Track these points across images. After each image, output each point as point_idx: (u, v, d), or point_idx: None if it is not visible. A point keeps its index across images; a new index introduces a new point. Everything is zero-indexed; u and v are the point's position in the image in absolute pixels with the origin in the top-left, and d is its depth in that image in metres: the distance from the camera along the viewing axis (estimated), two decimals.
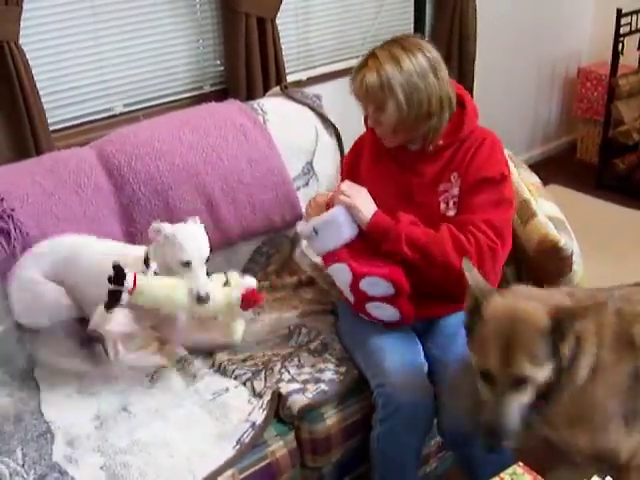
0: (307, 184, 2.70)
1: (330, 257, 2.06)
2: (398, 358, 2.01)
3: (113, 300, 1.85)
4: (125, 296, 1.85)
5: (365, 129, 2.21)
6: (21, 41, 2.52)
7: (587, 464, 1.82)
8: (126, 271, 1.85)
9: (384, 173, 2.18)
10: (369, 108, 2.06)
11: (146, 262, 2.00)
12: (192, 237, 1.96)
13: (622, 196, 4.29)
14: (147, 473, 1.82)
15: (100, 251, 2.12)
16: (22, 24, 2.49)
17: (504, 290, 1.79)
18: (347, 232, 2.05)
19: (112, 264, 1.83)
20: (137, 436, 1.93)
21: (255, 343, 2.25)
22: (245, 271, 2.51)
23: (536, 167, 2.83)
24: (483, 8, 3.86)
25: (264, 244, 2.62)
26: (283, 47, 3.22)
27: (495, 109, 4.07)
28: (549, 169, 4.45)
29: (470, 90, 3.87)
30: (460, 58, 3.88)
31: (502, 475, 1.76)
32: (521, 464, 1.80)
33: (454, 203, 2.08)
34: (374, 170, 2.21)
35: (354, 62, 2.09)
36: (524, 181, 2.63)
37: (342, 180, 2.19)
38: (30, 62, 2.57)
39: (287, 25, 3.30)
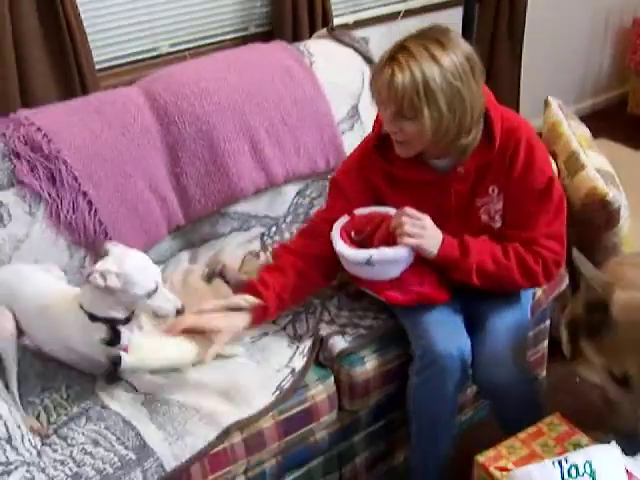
0: (352, 128, 2.67)
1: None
2: (438, 312, 2.00)
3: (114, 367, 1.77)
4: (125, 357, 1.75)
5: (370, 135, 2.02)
6: None
7: None
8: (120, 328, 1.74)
9: (410, 190, 1.97)
10: (389, 110, 1.76)
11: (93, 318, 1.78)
12: (141, 267, 1.74)
13: None
14: (187, 410, 1.84)
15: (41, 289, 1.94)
16: None
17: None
18: (403, 267, 1.94)
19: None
20: (177, 375, 1.94)
21: None
22: (289, 214, 2.51)
23: (585, 120, 2.75)
24: None
25: (307, 187, 2.60)
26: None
27: (544, 60, 4.01)
28: (598, 122, 4.29)
29: (520, 41, 3.79)
30: (511, 7, 3.78)
31: (540, 425, 1.77)
32: (558, 414, 1.80)
33: (499, 216, 1.97)
34: (397, 197, 2.00)
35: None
36: (574, 132, 2.58)
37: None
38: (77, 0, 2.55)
39: None
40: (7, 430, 1.68)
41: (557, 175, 2.23)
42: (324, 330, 2.09)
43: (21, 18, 2.43)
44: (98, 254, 1.93)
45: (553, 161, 2.28)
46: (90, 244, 2.26)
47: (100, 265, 1.68)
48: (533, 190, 1.90)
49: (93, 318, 1.74)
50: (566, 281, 2.45)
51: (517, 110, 3.78)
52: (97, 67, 2.73)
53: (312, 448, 2.04)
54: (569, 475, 1.54)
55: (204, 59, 2.63)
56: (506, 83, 3.90)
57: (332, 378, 2.01)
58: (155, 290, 1.71)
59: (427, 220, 1.86)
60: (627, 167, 2.96)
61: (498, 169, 1.89)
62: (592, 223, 2.42)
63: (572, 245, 2.35)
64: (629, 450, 1.58)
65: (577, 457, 1.57)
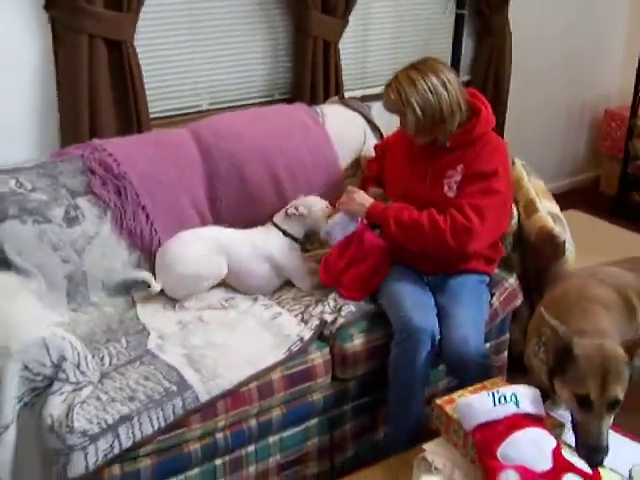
0: (355, 175, 3.31)
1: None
2: (413, 298, 2.63)
3: None
4: None
5: None
6: (135, 42, 3.18)
7: None
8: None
9: (410, 158, 2.84)
10: (397, 115, 2.70)
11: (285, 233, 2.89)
12: (317, 198, 2.94)
13: (636, 223, 4.82)
14: (218, 361, 2.42)
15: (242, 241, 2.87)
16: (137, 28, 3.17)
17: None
18: (346, 228, 2.81)
19: None
20: (211, 338, 2.54)
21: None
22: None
23: (562, 196, 3.40)
24: (518, 52, 4.50)
25: None
26: (343, 67, 3.87)
27: (527, 143, 4.69)
28: (574, 198, 5.04)
29: (502, 126, 4.47)
30: (495, 92, 4.48)
31: (485, 382, 2.33)
32: (501, 377, 2.36)
33: (456, 188, 2.70)
34: (404, 154, 2.88)
35: None
36: (533, 185, 3.23)
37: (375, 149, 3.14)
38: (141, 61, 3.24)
39: (348, 49, 3.95)
40: (78, 357, 2.24)
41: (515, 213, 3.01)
42: (327, 317, 2.66)
43: (96, 70, 3.08)
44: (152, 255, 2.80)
45: (515, 207, 3.06)
46: (145, 247, 2.88)
47: (293, 204, 2.85)
48: (480, 172, 2.64)
49: (285, 234, 2.85)
50: (520, 298, 3.03)
51: None
52: (151, 116, 3.38)
53: (310, 407, 2.59)
54: (499, 402, 2.09)
55: (240, 112, 3.32)
56: None
57: (328, 349, 2.60)
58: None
59: (357, 195, 2.80)
60: (594, 235, 3.85)
61: (470, 154, 2.68)
62: (544, 254, 3.04)
63: (529, 272, 3.00)
64: (595, 460, 1.99)
65: (506, 390, 2.12)
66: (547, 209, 3.08)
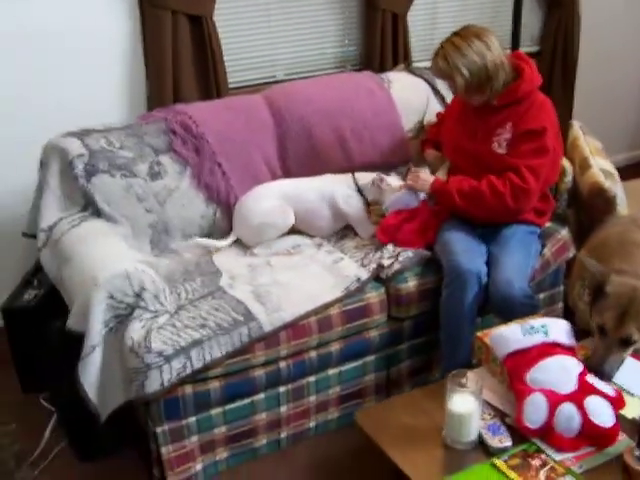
0: (418, 137, 3.51)
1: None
2: (463, 244, 2.82)
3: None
4: None
5: None
6: (214, 17, 3.47)
7: None
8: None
9: (463, 118, 3.04)
10: (447, 82, 2.91)
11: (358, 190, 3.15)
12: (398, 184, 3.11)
13: None
14: (282, 297, 2.67)
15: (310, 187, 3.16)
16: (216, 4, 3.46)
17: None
18: (411, 202, 3.07)
19: None
20: (276, 278, 2.80)
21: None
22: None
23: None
24: (588, 27, 4.62)
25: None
26: (412, 39, 4.06)
27: (596, 116, 4.75)
28: None
29: (571, 99, 4.57)
30: (563, 68, 4.62)
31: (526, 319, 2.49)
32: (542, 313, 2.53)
33: (506, 145, 2.88)
34: (458, 115, 3.09)
35: None
36: (588, 144, 3.36)
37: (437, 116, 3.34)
38: (219, 34, 3.53)
39: (416, 21, 4.15)
40: (157, 289, 2.53)
41: (572, 171, 3.19)
42: (385, 261, 2.89)
43: (179, 43, 3.40)
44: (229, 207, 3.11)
45: (570, 164, 3.21)
46: (222, 200, 3.16)
47: (381, 176, 3.11)
48: (530, 130, 2.79)
49: (359, 190, 3.14)
50: (573, 250, 3.18)
51: None
52: (230, 86, 3.67)
53: (366, 343, 2.82)
54: (528, 332, 2.27)
55: (310, 79, 3.58)
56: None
57: (384, 289, 2.82)
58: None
59: (422, 173, 3.05)
60: None
61: (518, 112, 2.84)
62: (596, 208, 3.17)
63: (584, 227, 3.14)
64: None
65: (536, 321, 2.30)
66: (600, 166, 3.19)
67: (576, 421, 2.08)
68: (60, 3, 3.25)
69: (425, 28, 4.21)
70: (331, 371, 2.78)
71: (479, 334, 2.44)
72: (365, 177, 3.13)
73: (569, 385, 2.14)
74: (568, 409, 2.09)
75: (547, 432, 2.09)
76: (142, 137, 3.04)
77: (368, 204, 3.16)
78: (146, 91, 3.52)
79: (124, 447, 2.78)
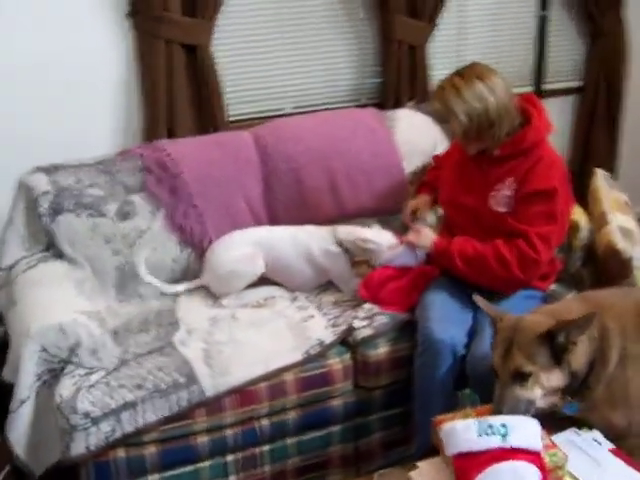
0: (413, 181, 3.25)
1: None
2: (443, 310, 2.54)
3: None
4: None
5: None
6: (214, 48, 3.30)
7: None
8: None
9: (460, 166, 2.76)
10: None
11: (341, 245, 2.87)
12: (393, 243, 2.81)
13: None
14: (232, 358, 2.47)
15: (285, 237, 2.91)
16: (217, 34, 3.29)
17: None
18: (412, 260, 2.79)
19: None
20: (234, 335, 2.60)
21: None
22: None
23: None
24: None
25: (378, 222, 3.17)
26: (434, 71, 3.80)
27: None
28: None
29: (615, 140, 4.23)
30: (607, 104, 4.26)
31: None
32: None
33: (504, 203, 2.59)
34: (456, 162, 2.81)
35: None
36: (609, 196, 3.03)
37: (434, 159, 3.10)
38: (218, 65, 3.35)
39: (440, 53, 3.87)
40: (95, 344, 2.36)
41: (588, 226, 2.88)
42: (357, 324, 2.64)
43: (173, 73, 3.23)
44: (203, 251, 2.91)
45: (586, 218, 2.91)
46: (196, 244, 2.98)
47: (364, 234, 2.80)
48: (539, 191, 2.50)
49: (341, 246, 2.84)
50: None
51: None
52: (232, 119, 3.49)
53: (330, 412, 2.58)
54: (485, 433, 1.95)
55: (307, 115, 3.34)
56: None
57: (349, 354, 2.58)
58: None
59: (424, 230, 2.73)
60: None
61: (522, 167, 2.55)
62: (610, 271, 2.84)
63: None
64: None
65: (495, 419, 1.97)
66: (618, 222, 2.87)
67: None
68: (51, 33, 3.13)
69: (449, 61, 3.92)
70: (289, 440, 2.56)
71: (438, 417, 2.17)
72: (347, 231, 2.85)
73: None
74: None
75: None
76: (115, 175, 2.89)
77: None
78: (142, 124, 3.34)
79: None
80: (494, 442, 1.92)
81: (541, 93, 3.77)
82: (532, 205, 2.53)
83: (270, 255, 2.84)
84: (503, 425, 1.95)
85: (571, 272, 2.94)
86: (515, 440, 1.92)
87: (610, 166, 4.30)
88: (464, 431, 1.97)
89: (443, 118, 2.62)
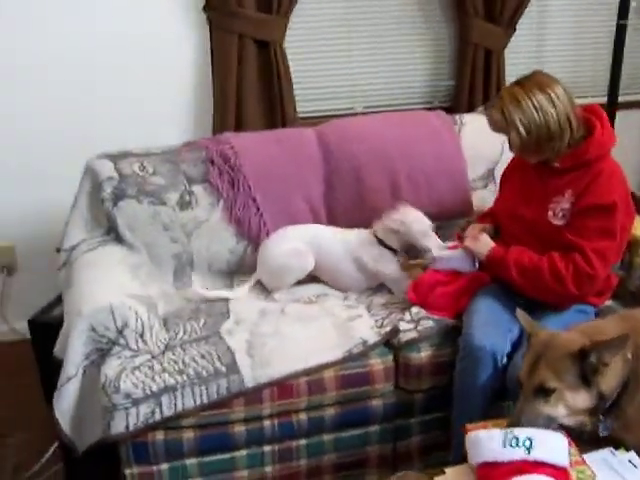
0: (486, 186, 3.22)
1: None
2: (487, 316, 2.51)
3: None
4: None
5: None
6: (286, 44, 3.34)
7: None
8: None
9: (522, 179, 2.71)
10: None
11: (381, 243, 2.85)
12: (418, 215, 2.81)
13: None
14: (274, 351, 2.50)
15: (335, 240, 2.92)
16: (289, 32, 3.33)
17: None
18: (468, 266, 2.75)
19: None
20: (280, 328, 2.63)
21: None
22: None
23: None
24: None
25: (439, 229, 3.13)
26: (510, 78, 3.73)
27: None
28: None
29: None
30: None
31: None
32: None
33: (562, 215, 2.53)
34: (518, 177, 2.76)
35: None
36: None
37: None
38: (292, 62, 3.40)
39: (518, 58, 3.83)
40: (142, 328, 2.43)
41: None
42: (402, 326, 2.64)
43: (245, 68, 3.31)
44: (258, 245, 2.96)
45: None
46: (253, 237, 3.03)
47: (393, 216, 2.81)
48: (598, 205, 2.42)
49: (381, 243, 2.83)
50: None
51: None
52: (301, 116, 3.52)
53: (369, 412, 2.58)
54: (509, 444, 1.92)
55: (373, 115, 3.35)
56: None
57: (391, 356, 2.57)
58: (425, 234, 2.75)
59: (482, 236, 2.68)
60: None
61: (582, 179, 2.48)
62: None
63: None
64: None
65: (521, 432, 1.93)
66: None
67: None
68: (129, 22, 3.24)
69: (526, 67, 3.81)
70: (326, 437, 2.57)
71: (469, 426, 2.15)
72: (384, 227, 2.86)
73: None
74: None
75: None
76: (178, 164, 2.96)
77: (406, 257, 2.90)
78: (212, 117, 3.42)
79: None
80: (518, 454, 1.90)
81: (616, 105, 3.64)
82: (590, 219, 2.46)
83: (320, 254, 2.86)
84: (529, 438, 1.92)
85: (630, 289, 2.85)
86: (539, 454, 1.89)
87: None
88: (488, 441, 1.95)
89: (501, 128, 2.53)
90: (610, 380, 1.96)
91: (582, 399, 1.95)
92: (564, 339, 2.01)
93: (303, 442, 2.55)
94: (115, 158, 2.92)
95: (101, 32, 3.21)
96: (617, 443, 2.11)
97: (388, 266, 2.86)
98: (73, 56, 3.22)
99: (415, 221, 2.80)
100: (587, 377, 1.93)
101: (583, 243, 2.44)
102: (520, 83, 2.50)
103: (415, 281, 2.79)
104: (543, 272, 2.47)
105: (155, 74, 3.34)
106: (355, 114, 3.67)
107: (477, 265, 2.74)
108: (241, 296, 2.86)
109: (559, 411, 1.96)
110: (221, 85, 3.35)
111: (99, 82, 3.26)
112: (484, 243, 2.67)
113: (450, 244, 2.82)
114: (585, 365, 1.92)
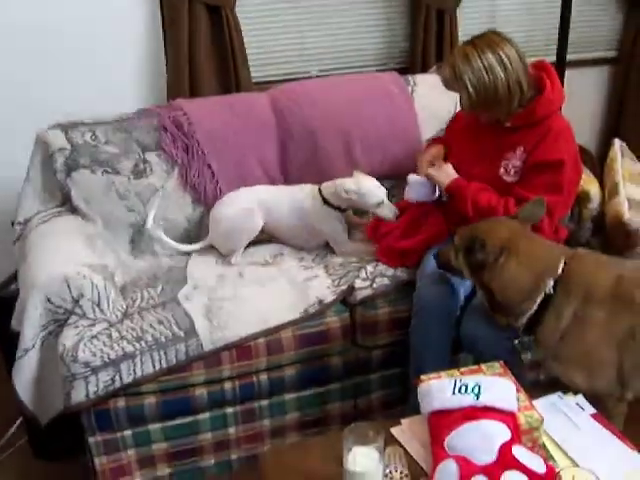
0: None
1: None
2: (441, 273, 2.53)
3: None
4: None
5: None
6: (238, 9, 3.32)
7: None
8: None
9: (471, 137, 2.72)
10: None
11: (326, 202, 2.85)
12: (373, 186, 2.78)
13: None
14: (232, 314, 2.53)
15: (282, 197, 2.92)
16: None
17: None
18: (429, 194, 2.72)
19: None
20: (238, 292, 2.65)
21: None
22: None
23: None
24: None
25: (392, 187, 3.16)
26: (464, 38, 3.74)
27: None
28: None
29: None
30: None
31: (482, 365, 2.21)
32: (502, 363, 2.23)
33: (514, 172, 2.57)
34: (467, 134, 2.77)
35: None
36: (623, 167, 2.98)
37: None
38: (243, 27, 3.37)
39: (470, 17, 3.83)
40: (99, 296, 2.44)
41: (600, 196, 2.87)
42: (358, 284, 2.67)
43: (197, 34, 3.28)
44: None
45: (598, 188, 2.89)
46: (209, 203, 3.02)
47: (344, 183, 2.78)
48: (546, 162, 2.47)
49: (325, 202, 2.83)
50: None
51: None
52: (256, 80, 3.51)
53: (329, 370, 2.63)
54: (459, 391, 1.97)
55: (326, 78, 3.36)
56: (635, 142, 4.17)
57: (348, 314, 2.61)
58: (379, 205, 2.74)
59: (446, 166, 2.66)
60: None
61: (532, 137, 2.51)
62: (616, 242, 2.81)
63: None
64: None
65: (471, 379, 2.00)
66: (629, 194, 2.82)
67: None
68: None
69: (479, 27, 3.80)
70: (287, 396, 2.62)
71: (422, 377, 2.19)
72: (329, 185, 2.88)
73: (487, 455, 1.85)
74: None
75: None
76: (131, 133, 2.96)
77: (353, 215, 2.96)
78: (165, 84, 3.40)
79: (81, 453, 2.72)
80: (467, 401, 1.94)
81: (564, 63, 3.68)
82: (539, 175, 2.50)
83: (269, 213, 2.88)
84: (477, 384, 1.98)
85: (581, 242, 2.91)
86: (488, 399, 1.94)
87: None
88: (439, 389, 2.00)
89: (452, 86, 2.54)
90: (503, 284, 2.15)
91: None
92: (481, 225, 2.22)
93: (265, 402, 2.59)
94: (66, 128, 2.90)
95: (51, 1, 3.17)
96: (565, 387, 2.17)
97: (331, 224, 2.89)
98: (23, 25, 3.16)
99: (369, 193, 2.78)
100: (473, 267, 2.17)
101: (531, 197, 2.47)
102: (473, 42, 2.50)
103: (371, 223, 2.86)
104: (496, 214, 2.49)
105: (106, 42, 3.30)
106: (310, 78, 3.65)
107: (437, 194, 2.72)
108: (187, 251, 2.94)
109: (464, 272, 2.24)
110: (173, 51, 3.32)
111: (50, 52, 3.21)
112: (447, 173, 2.65)
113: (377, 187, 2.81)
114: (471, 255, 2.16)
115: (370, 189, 2.77)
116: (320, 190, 2.87)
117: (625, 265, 2.24)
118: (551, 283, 2.11)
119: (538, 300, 2.11)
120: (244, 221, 2.85)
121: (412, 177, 2.72)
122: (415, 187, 2.74)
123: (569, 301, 2.10)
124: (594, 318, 2.09)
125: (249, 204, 2.87)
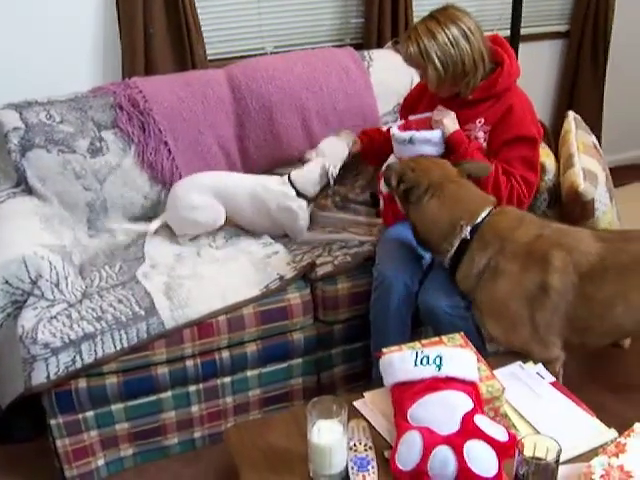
0: (396, 120, 3.22)
1: None
2: (399, 251, 2.56)
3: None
4: None
5: None
6: None
7: None
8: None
9: (430, 109, 2.70)
10: (417, 70, 2.62)
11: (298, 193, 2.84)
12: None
13: None
14: (192, 292, 2.52)
15: (243, 187, 2.87)
16: None
17: None
18: (436, 150, 2.58)
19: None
20: (197, 270, 2.64)
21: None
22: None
23: None
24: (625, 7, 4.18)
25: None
26: (418, 12, 3.76)
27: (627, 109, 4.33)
28: None
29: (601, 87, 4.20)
30: (593, 51, 4.23)
31: (443, 337, 2.24)
32: (463, 334, 2.27)
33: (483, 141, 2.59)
34: (424, 105, 2.76)
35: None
36: (577, 139, 3.02)
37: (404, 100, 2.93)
38: (198, 3, 3.34)
39: None
40: (57, 277, 2.41)
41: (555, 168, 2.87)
42: (320, 260, 2.68)
43: (151, 9, 3.22)
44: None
45: (553, 160, 2.90)
46: (166, 181, 3.01)
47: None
48: (522, 136, 2.51)
49: (298, 194, 2.82)
50: None
51: (599, 141, 4.04)
52: (211, 58, 3.48)
53: (290, 346, 2.63)
54: (420, 363, 1.99)
55: (282, 55, 3.34)
56: (588, 115, 4.23)
57: (309, 289, 2.62)
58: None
59: (452, 113, 2.56)
60: None
61: (496, 109, 2.55)
62: (573, 213, 2.85)
63: None
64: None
65: (432, 351, 2.02)
66: (583, 165, 2.86)
67: (451, 467, 1.81)
68: None
69: (434, 1, 3.86)
70: (250, 373, 2.62)
71: (385, 350, 2.21)
72: (298, 174, 2.87)
73: (450, 426, 1.88)
74: (443, 453, 1.83)
75: (418, 476, 1.85)
76: (86, 111, 2.92)
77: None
78: (120, 61, 3.35)
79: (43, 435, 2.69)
80: (429, 372, 1.97)
81: (518, 37, 3.71)
82: (515, 148, 2.53)
83: (229, 206, 2.85)
84: (439, 356, 2.00)
85: (537, 213, 2.94)
86: (449, 370, 1.97)
87: (595, 110, 4.27)
88: (400, 362, 2.02)
89: (418, 64, 2.53)
90: (424, 221, 2.31)
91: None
92: (418, 161, 2.34)
93: (227, 380, 2.60)
94: (20, 108, 2.85)
95: None
96: (524, 357, 2.21)
97: (294, 220, 2.88)
98: None
99: (334, 146, 2.87)
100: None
101: (512, 170, 2.51)
102: (435, 17, 2.50)
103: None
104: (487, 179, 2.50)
105: (60, 20, 3.23)
106: (265, 54, 3.63)
107: (441, 148, 2.60)
108: (150, 230, 2.89)
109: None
110: (128, 28, 3.27)
111: (1, 31, 3.14)
112: (453, 120, 2.58)
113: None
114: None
115: (334, 142, 2.90)
116: (292, 183, 2.84)
117: (550, 227, 2.30)
118: (468, 229, 2.21)
119: (456, 243, 2.24)
120: (207, 216, 2.84)
121: (417, 134, 2.60)
122: (419, 145, 2.60)
123: (484, 249, 2.21)
124: (506, 270, 2.19)
125: (212, 197, 2.83)
